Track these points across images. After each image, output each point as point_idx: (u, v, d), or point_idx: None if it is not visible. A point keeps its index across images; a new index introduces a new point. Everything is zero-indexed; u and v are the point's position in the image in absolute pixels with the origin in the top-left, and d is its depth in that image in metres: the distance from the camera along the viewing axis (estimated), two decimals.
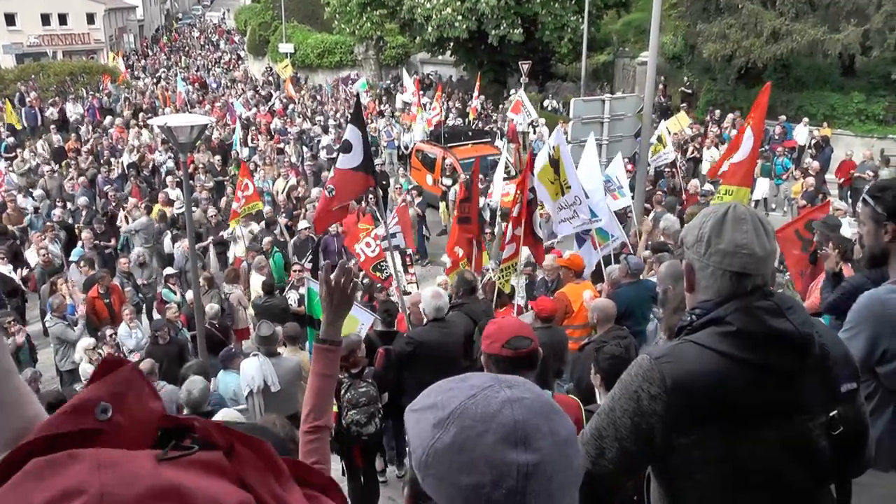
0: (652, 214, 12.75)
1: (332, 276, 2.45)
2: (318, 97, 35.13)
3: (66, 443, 0.69)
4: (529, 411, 1.05)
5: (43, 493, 0.63)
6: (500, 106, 29.31)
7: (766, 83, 10.00)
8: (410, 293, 12.85)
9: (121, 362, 0.80)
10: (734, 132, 19.83)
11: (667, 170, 16.22)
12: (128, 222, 15.08)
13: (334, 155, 20.37)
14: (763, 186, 17.60)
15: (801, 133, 21.10)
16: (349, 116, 20.49)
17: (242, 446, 0.79)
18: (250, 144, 23.29)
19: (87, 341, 9.98)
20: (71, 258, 13.59)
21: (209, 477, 0.71)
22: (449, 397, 1.09)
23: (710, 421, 1.89)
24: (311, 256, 13.58)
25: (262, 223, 14.65)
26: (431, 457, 1.05)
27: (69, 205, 17.04)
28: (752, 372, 1.90)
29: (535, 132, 22.42)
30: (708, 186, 15.07)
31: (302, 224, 14.12)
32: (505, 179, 15.79)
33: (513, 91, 28.96)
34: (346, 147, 7.87)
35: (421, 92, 27.06)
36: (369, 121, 23.59)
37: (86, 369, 9.55)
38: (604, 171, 11.30)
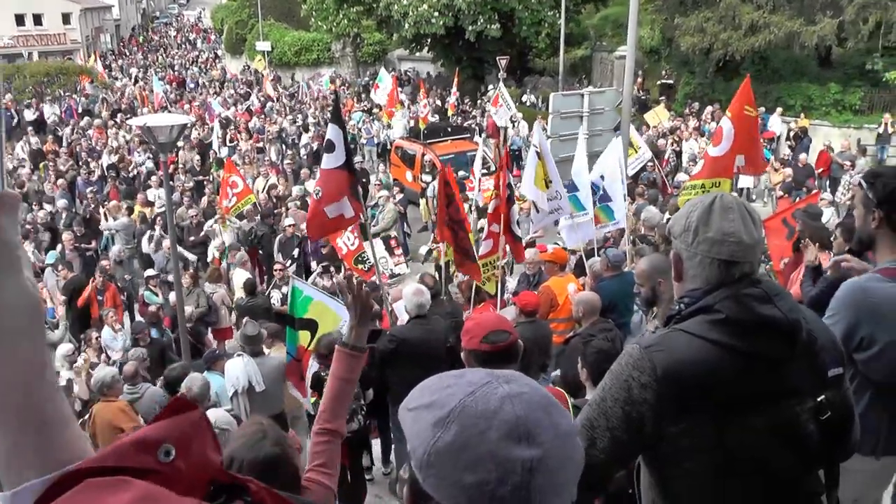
0: (633, 207, 12.79)
1: (355, 287, 2.66)
2: (297, 95, 34.96)
3: (122, 474, 0.68)
4: (530, 406, 1.04)
5: None
6: (479, 102, 29.31)
7: (744, 75, 10.01)
8: (401, 275, 12.84)
9: (191, 405, 0.78)
10: (713, 125, 19.96)
11: (648, 163, 16.28)
12: (106, 220, 14.95)
13: (315, 147, 20.26)
14: (748, 177, 17.62)
15: (776, 123, 21.26)
16: (327, 114, 20.28)
17: None
18: (229, 144, 23.12)
19: (67, 347, 9.83)
20: (46, 261, 13.15)
21: None
22: (447, 395, 1.06)
23: (700, 409, 1.90)
24: (296, 255, 13.46)
25: (252, 219, 14.46)
26: (433, 456, 1.02)
27: (48, 207, 16.80)
28: (742, 359, 1.91)
29: (513, 127, 22.39)
30: (684, 176, 15.16)
31: (287, 221, 13.99)
32: (485, 175, 15.71)
33: (491, 86, 28.95)
34: (330, 147, 7.72)
35: (399, 88, 26.94)
36: (347, 118, 23.45)
37: (65, 377, 9.37)
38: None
